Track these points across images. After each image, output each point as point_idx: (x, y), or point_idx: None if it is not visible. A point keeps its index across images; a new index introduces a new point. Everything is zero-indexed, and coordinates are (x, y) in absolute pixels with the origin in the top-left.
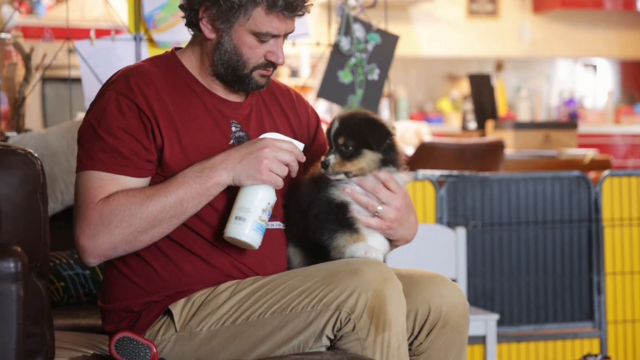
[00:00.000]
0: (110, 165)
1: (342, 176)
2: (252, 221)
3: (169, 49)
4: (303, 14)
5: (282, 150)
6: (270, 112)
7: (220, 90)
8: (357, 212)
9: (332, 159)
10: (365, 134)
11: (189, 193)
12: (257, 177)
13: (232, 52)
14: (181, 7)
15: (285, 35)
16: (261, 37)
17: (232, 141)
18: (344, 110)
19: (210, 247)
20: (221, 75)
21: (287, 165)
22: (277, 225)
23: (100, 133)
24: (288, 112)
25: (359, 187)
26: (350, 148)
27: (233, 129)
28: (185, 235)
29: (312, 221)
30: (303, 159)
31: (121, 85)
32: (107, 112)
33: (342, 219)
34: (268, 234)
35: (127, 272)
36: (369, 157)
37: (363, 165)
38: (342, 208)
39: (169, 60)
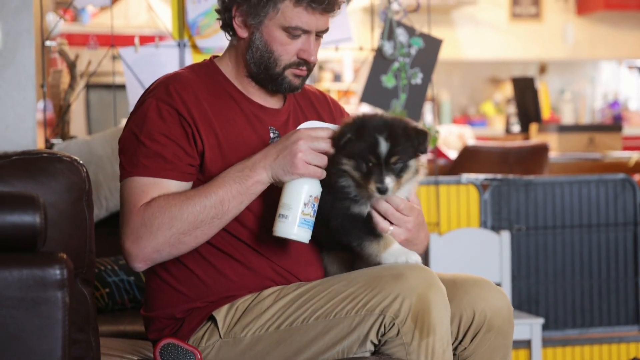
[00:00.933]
0: (153, 169)
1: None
2: (295, 217)
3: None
4: (333, 10)
5: (317, 139)
6: (307, 117)
7: (257, 97)
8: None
9: (390, 182)
10: (415, 145)
11: (230, 193)
12: (293, 171)
13: (264, 49)
14: (217, 11)
15: (319, 35)
16: (291, 31)
17: None
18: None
19: (250, 251)
20: (254, 74)
21: (325, 153)
22: None
23: (142, 139)
24: (325, 116)
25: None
26: (401, 164)
27: (271, 134)
28: (225, 241)
29: (336, 229)
30: None
31: (161, 91)
32: (148, 118)
33: (366, 227)
34: None
35: (169, 279)
36: (412, 167)
37: (408, 177)
38: (360, 218)
39: (207, 68)
